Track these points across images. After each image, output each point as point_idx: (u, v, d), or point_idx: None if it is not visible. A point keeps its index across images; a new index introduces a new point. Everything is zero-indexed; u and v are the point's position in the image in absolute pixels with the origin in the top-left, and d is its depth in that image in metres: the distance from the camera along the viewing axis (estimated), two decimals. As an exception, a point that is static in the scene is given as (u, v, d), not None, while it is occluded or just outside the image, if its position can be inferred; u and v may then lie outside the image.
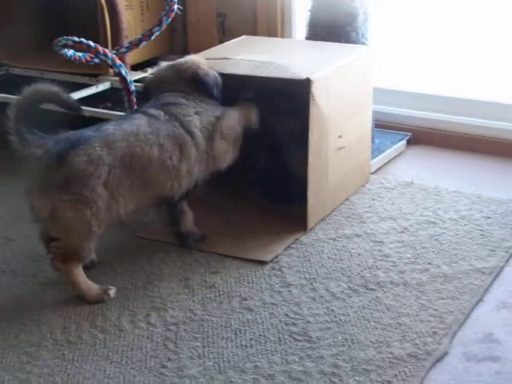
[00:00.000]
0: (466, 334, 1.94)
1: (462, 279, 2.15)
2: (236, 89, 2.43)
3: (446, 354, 1.87)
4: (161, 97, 2.29)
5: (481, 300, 2.08)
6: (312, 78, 2.31)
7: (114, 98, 3.20)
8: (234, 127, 2.32)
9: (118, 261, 2.29)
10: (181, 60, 2.42)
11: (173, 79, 2.35)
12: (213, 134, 2.27)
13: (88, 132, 2.12)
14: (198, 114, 2.26)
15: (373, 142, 2.84)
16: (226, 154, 2.31)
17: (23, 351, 1.93)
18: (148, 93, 2.37)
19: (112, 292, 2.13)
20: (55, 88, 2.14)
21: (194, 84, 2.32)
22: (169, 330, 1.99)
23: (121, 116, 2.32)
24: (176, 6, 2.78)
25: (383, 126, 3.12)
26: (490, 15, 3.13)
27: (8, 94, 3.16)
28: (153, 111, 2.22)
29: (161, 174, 2.17)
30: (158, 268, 2.26)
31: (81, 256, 2.10)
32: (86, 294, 2.11)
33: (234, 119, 2.33)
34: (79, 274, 2.10)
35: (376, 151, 2.92)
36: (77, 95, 3.10)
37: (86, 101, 3.10)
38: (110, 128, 2.14)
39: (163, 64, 2.44)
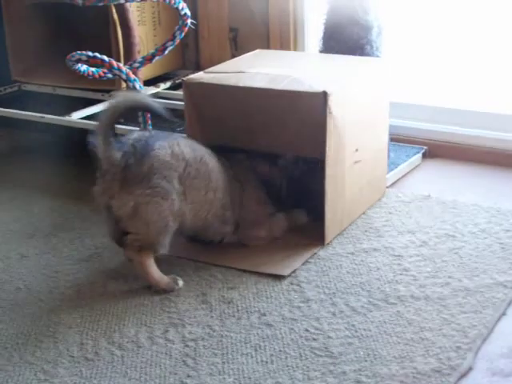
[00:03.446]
0: (491, 348, 1.91)
1: (484, 293, 2.11)
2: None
3: (470, 369, 1.83)
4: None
5: (504, 314, 2.04)
6: (328, 91, 2.29)
7: (126, 114, 3.18)
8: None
9: (134, 276, 2.26)
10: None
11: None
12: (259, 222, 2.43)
13: (170, 133, 2.31)
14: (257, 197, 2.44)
15: (388, 155, 2.81)
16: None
17: (40, 368, 1.90)
18: None
19: (180, 282, 2.20)
20: (146, 97, 2.28)
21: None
22: (187, 346, 1.96)
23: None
24: (189, 21, 2.77)
25: (398, 139, 3.09)
26: (508, 28, 3.10)
27: (20, 110, 3.16)
28: (226, 163, 2.39)
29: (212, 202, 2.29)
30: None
31: (156, 249, 2.17)
32: (158, 283, 2.19)
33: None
34: (151, 264, 2.18)
35: (391, 165, 2.89)
36: (89, 111, 3.11)
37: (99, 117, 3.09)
38: (191, 140, 2.35)
39: None
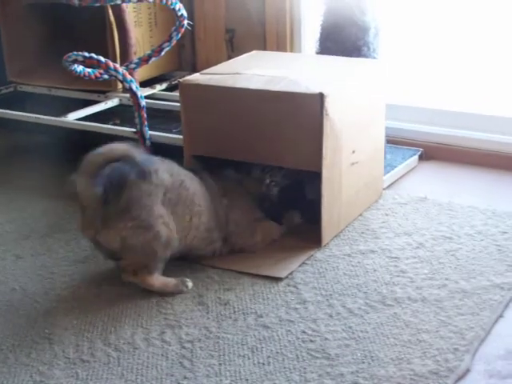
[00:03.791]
0: (488, 350, 1.90)
1: (481, 295, 2.11)
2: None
3: (468, 371, 1.82)
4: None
5: (501, 316, 2.04)
6: (325, 92, 2.29)
7: (122, 115, 3.18)
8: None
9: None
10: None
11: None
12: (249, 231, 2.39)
13: (146, 158, 2.17)
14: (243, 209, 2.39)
15: (384, 157, 2.81)
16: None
17: (35, 370, 1.89)
18: None
19: (190, 284, 2.19)
20: (129, 149, 2.13)
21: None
22: (184, 347, 1.95)
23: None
24: (186, 22, 2.76)
25: (394, 141, 3.09)
26: (505, 31, 3.10)
27: (16, 111, 3.15)
28: (210, 181, 2.34)
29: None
30: (170, 285, 2.23)
31: (151, 271, 2.17)
32: (163, 291, 2.18)
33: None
34: (151, 279, 2.17)
35: (388, 167, 2.89)
36: (85, 112, 3.10)
37: (95, 118, 3.09)
38: (172, 163, 2.27)
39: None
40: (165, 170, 2.19)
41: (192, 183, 2.26)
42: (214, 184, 2.34)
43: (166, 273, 2.22)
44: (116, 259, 2.22)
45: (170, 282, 2.19)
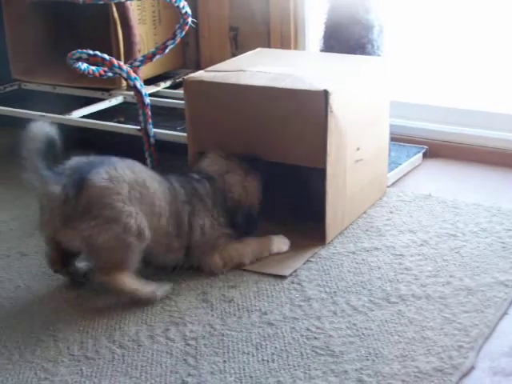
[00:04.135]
0: (492, 347, 1.90)
1: (486, 292, 2.11)
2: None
3: (472, 368, 1.82)
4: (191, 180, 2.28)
5: (505, 313, 2.04)
6: (329, 89, 2.28)
7: (126, 113, 3.18)
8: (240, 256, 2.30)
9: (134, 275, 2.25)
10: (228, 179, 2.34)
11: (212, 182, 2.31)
12: (213, 247, 2.26)
13: (105, 157, 2.12)
14: (209, 220, 2.26)
15: (389, 155, 2.81)
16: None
17: (40, 367, 1.89)
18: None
19: (162, 290, 2.13)
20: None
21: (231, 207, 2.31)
22: (188, 344, 1.95)
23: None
24: (190, 20, 2.76)
25: (399, 139, 3.09)
26: (509, 28, 3.10)
27: (21, 109, 3.16)
28: (175, 184, 2.23)
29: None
30: (175, 282, 2.22)
31: (125, 268, 2.08)
32: (135, 294, 2.10)
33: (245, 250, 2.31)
34: (124, 281, 2.08)
35: (392, 164, 2.88)
36: (89, 110, 3.10)
37: (99, 115, 3.09)
38: (134, 162, 2.17)
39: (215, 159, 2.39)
40: (125, 167, 2.11)
41: (152, 183, 2.16)
42: (179, 188, 2.22)
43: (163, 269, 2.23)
44: (67, 261, 2.18)
45: (144, 289, 2.10)
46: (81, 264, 2.22)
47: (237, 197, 2.31)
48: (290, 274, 2.25)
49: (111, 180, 2.06)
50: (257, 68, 2.53)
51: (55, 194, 2.02)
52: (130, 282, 2.09)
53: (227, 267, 2.27)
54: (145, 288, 2.11)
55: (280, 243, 2.37)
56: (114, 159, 2.13)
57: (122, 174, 2.08)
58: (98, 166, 2.07)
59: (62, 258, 2.18)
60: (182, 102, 2.56)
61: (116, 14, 3.17)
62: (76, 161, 2.11)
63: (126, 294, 2.10)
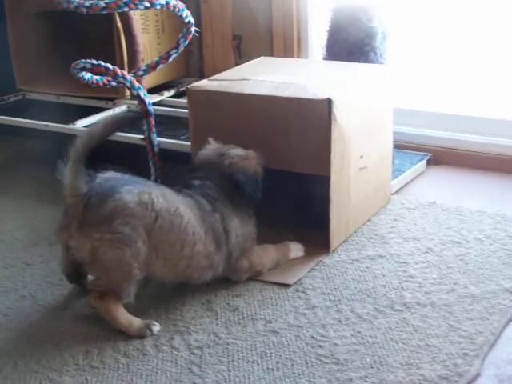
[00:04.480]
0: (498, 355, 1.90)
1: (491, 299, 2.11)
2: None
3: (478, 375, 1.82)
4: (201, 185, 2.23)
5: (511, 320, 2.03)
6: (333, 98, 2.29)
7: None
8: (263, 264, 2.29)
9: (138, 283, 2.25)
10: (228, 152, 2.29)
11: (213, 169, 2.26)
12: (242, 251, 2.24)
13: (144, 180, 2.12)
14: (238, 218, 2.22)
15: (393, 162, 2.81)
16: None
17: (45, 376, 1.90)
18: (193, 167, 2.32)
19: (156, 328, 2.05)
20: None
21: (232, 184, 2.23)
22: (193, 353, 1.95)
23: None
24: (193, 29, 2.77)
25: (402, 146, 3.09)
26: (508, 35, 3.10)
27: (25, 118, 3.17)
28: (198, 197, 2.18)
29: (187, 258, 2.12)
30: (179, 291, 2.23)
31: (119, 296, 2.03)
32: (126, 329, 2.04)
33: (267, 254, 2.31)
34: (117, 311, 2.03)
35: (396, 172, 2.89)
36: (93, 119, 3.11)
37: (103, 125, 3.09)
38: (166, 188, 2.14)
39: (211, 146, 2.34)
40: (159, 194, 2.07)
41: (187, 211, 2.10)
42: (202, 200, 2.18)
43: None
44: (76, 273, 2.16)
45: (136, 324, 2.04)
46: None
47: (238, 161, 2.25)
48: (295, 283, 2.25)
49: (140, 203, 2.01)
50: (260, 77, 2.53)
51: (81, 191, 2.00)
52: (123, 315, 2.05)
53: (249, 274, 2.27)
54: (135, 325, 2.05)
55: (297, 250, 2.38)
56: (150, 183, 2.13)
57: (154, 201, 2.04)
58: (132, 185, 2.04)
59: (74, 267, 2.16)
60: (186, 110, 2.57)
61: (119, 24, 3.18)
62: (111, 174, 2.08)
63: (115, 324, 2.05)
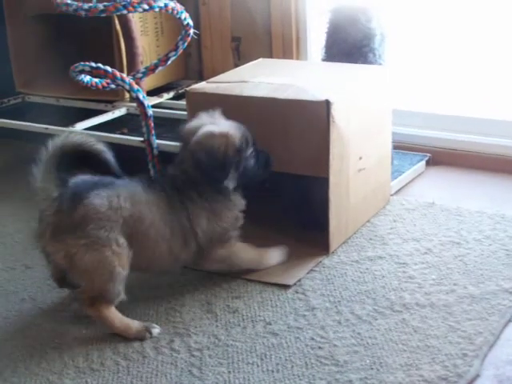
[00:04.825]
0: (497, 355, 1.90)
1: (490, 300, 2.11)
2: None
3: (477, 376, 1.82)
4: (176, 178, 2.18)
5: (510, 321, 2.03)
6: (331, 99, 2.29)
7: (130, 124, 3.19)
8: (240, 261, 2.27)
9: (139, 286, 2.26)
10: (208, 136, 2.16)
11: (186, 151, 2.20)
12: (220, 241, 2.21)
13: (112, 179, 2.09)
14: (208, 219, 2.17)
15: (392, 163, 2.81)
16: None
17: (45, 379, 1.90)
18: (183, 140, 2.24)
19: (155, 331, 2.04)
20: (83, 138, 2.10)
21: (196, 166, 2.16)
22: (193, 355, 1.95)
23: (141, 178, 2.18)
24: (192, 31, 2.77)
25: (402, 147, 3.10)
26: (508, 37, 3.11)
27: (24, 121, 3.17)
28: (169, 190, 2.14)
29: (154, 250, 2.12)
30: (179, 293, 2.23)
31: (108, 298, 2.02)
32: (124, 332, 2.03)
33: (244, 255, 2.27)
34: (111, 315, 2.03)
35: (395, 172, 2.89)
36: (93, 122, 3.11)
37: (102, 127, 3.10)
38: (136, 186, 2.10)
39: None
40: (127, 198, 2.05)
41: (149, 213, 2.08)
42: (174, 193, 2.14)
43: (172, 279, 2.22)
44: (63, 276, 2.14)
45: (135, 326, 2.04)
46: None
47: (203, 139, 2.14)
48: (294, 284, 2.25)
49: (110, 207, 2.01)
50: (259, 79, 2.54)
51: (50, 200, 2.00)
52: (118, 317, 2.04)
53: (223, 265, 2.24)
54: (133, 328, 2.05)
55: (277, 256, 2.33)
56: (119, 184, 2.07)
57: (122, 206, 2.02)
58: (100, 188, 2.03)
59: (60, 273, 2.15)
60: (185, 113, 2.57)
61: (118, 26, 3.19)
62: (81, 178, 2.07)
63: (112, 329, 2.04)
